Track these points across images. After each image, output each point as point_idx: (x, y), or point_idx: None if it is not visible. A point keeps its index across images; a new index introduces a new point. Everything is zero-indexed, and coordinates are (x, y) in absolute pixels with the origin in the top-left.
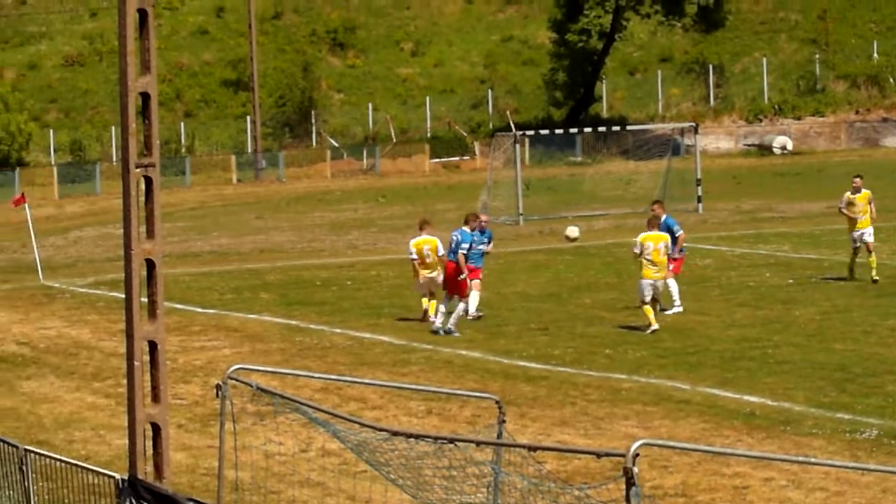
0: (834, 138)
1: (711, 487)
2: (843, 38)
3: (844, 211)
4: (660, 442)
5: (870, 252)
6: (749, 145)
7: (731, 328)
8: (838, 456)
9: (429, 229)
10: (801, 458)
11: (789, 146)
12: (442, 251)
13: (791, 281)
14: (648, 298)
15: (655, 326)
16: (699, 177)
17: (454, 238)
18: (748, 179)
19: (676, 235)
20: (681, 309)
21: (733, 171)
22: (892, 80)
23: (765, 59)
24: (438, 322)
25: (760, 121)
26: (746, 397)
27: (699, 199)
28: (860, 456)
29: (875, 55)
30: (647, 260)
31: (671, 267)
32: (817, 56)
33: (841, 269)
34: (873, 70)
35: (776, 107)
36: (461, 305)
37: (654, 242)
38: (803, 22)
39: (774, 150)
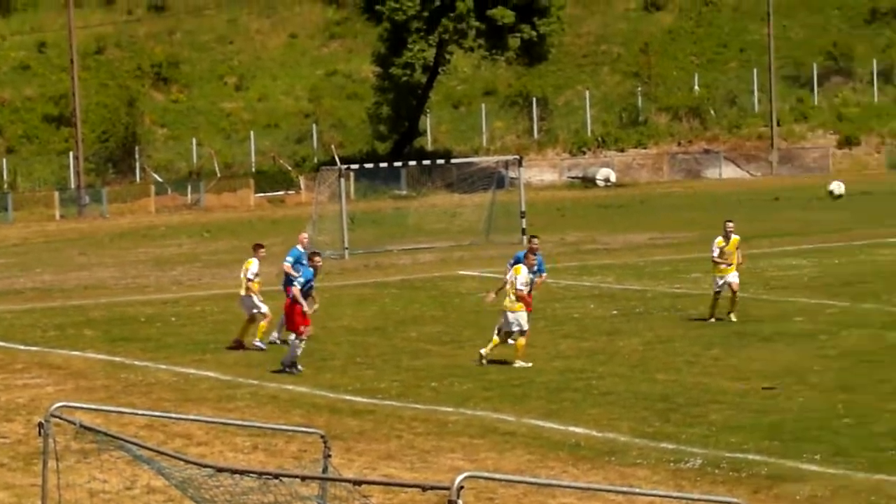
0: (656, 170)
1: None
2: (665, 71)
3: (717, 260)
4: (485, 474)
5: (734, 293)
6: (573, 177)
7: (555, 360)
8: (663, 485)
9: (261, 252)
10: (625, 489)
11: (612, 178)
12: (252, 273)
13: (615, 312)
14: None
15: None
16: (523, 209)
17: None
18: (572, 211)
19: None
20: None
21: (557, 204)
22: (713, 112)
23: (588, 92)
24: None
25: (584, 153)
26: (572, 428)
27: (524, 232)
28: (684, 485)
29: (696, 87)
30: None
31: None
32: (639, 89)
33: (663, 299)
34: (694, 102)
35: (599, 139)
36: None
37: (517, 274)
38: (625, 55)
39: (598, 182)
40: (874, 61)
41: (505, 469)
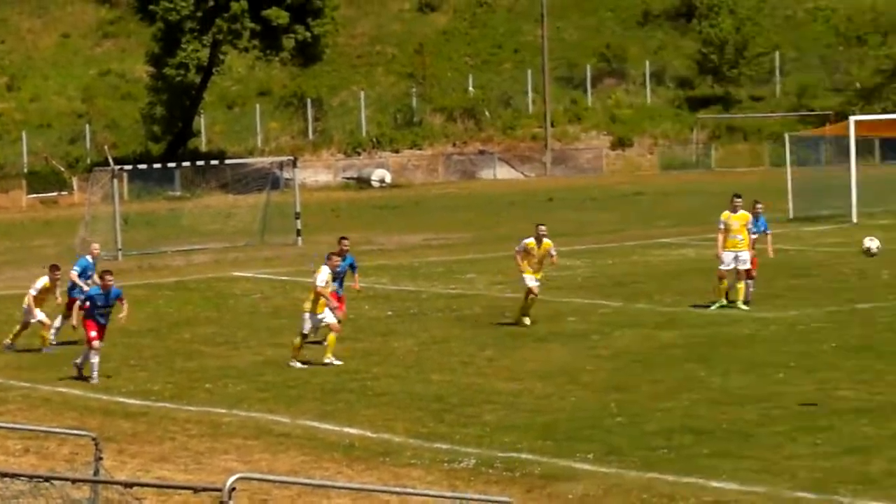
0: (431, 171)
1: None
2: (440, 72)
3: (520, 263)
4: (257, 476)
5: (535, 296)
6: (348, 178)
7: None
8: (436, 485)
9: (56, 274)
10: (399, 489)
11: (387, 179)
12: (35, 289)
13: (390, 313)
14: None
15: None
16: (298, 210)
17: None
18: (347, 212)
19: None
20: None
21: (332, 204)
22: (487, 113)
23: (362, 93)
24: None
25: (359, 154)
26: (346, 429)
27: (298, 233)
28: (458, 485)
29: (471, 88)
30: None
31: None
32: (414, 90)
33: (437, 300)
34: (469, 103)
35: (374, 140)
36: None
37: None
38: (400, 56)
39: (373, 182)
40: (647, 63)
41: (279, 470)
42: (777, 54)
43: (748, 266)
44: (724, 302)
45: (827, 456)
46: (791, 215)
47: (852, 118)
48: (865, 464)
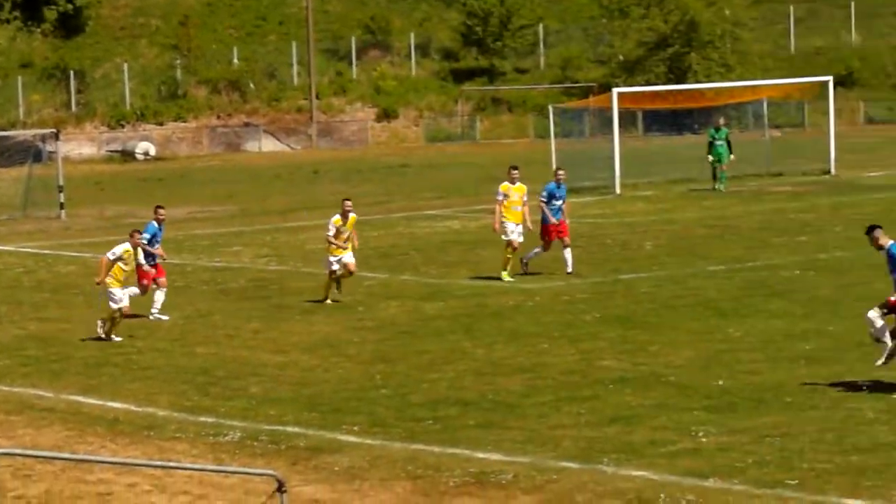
0: (196, 143)
1: (76, 495)
2: (204, 44)
3: (332, 241)
4: (20, 451)
5: (350, 273)
6: (112, 151)
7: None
8: (202, 459)
9: None
10: (163, 463)
11: (152, 152)
12: None
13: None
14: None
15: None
16: (61, 183)
17: None
18: (111, 185)
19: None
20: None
21: (96, 178)
22: (252, 85)
23: (126, 65)
24: None
25: (123, 127)
26: (110, 403)
27: (62, 206)
28: (223, 458)
29: (235, 61)
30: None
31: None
32: (178, 61)
33: (203, 273)
34: (234, 75)
35: (138, 112)
36: None
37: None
38: (164, 27)
39: (137, 155)
40: (411, 35)
41: (42, 445)
42: (541, 26)
43: (522, 239)
44: (507, 275)
45: (591, 425)
46: None
47: (615, 90)
48: (628, 433)
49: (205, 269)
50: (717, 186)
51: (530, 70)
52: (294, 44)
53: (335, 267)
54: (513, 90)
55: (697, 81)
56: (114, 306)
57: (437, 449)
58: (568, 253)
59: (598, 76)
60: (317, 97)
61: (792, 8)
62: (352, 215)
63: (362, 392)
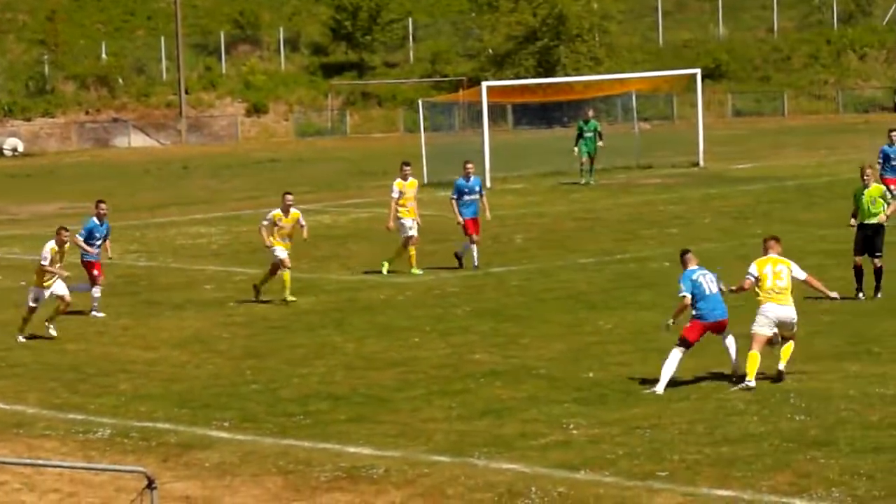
0: (65, 139)
1: None
2: (72, 39)
3: (267, 241)
4: None
5: (287, 268)
6: None
7: None
8: (71, 457)
9: None
10: (32, 461)
11: (20, 148)
12: None
13: (23, 283)
14: None
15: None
16: None
17: None
18: None
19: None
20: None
21: None
22: (120, 80)
23: None
24: None
25: None
26: None
27: None
28: (93, 455)
29: (104, 56)
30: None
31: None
32: (46, 57)
33: (72, 269)
34: (102, 71)
35: (6, 108)
36: None
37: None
38: (31, 22)
39: (5, 151)
40: (281, 29)
41: None
42: (410, 20)
43: (416, 233)
44: (416, 269)
45: (462, 419)
46: (426, 180)
47: (484, 84)
48: (499, 426)
49: (74, 266)
50: (588, 180)
51: (400, 64)
52: (162, 39)
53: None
54: (382, 84)
55: (566, 75)
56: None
57: (308, 444)
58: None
59: (467, 70)
60: (186, 92)
61: (660, 1)
62: (293, 210)
63: (233, 388)
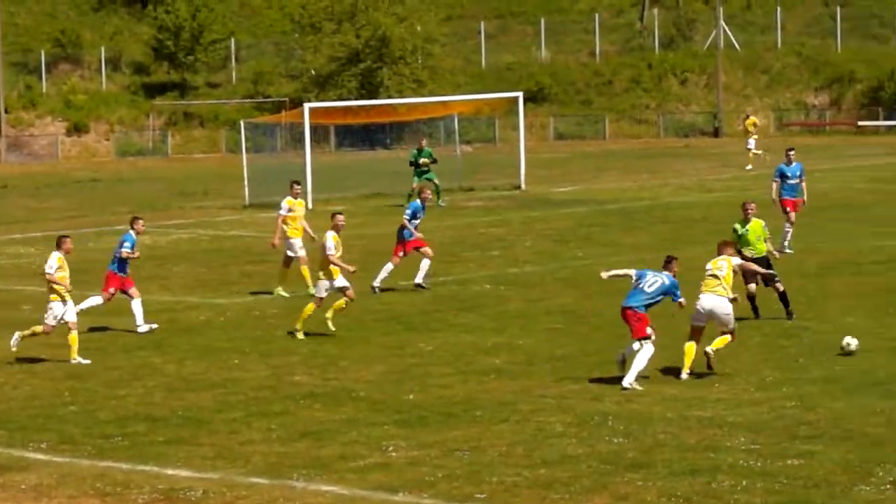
0: None
1: None
2: None
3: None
4: None
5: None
6: None
7: None
8: None
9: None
10: None
11: None
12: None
13: None
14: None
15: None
16: None
17: None
18: None
19: None
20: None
21: None
22: None
23: None
24: None
25: None
26: None
27: None
28: None
29: None
30: None
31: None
32: None
33: None
34: None
35: None
36: None
37: None
38: None
39: None
40: (102, 49)
41: None
42: (233, 41)
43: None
44: (283, 291)
45: (281, 441)
46: (247, 202)
47: (307, 105)
48: (318, 448)
49: None
50: (436, 203)
51: (222, 84)
52: None
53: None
54: (204, 105)
55: (389, 97)
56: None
57: (125, 466)
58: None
59: (290, 91)
60: (5, 111)
61: (483, 24)
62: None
63: (51, 409)
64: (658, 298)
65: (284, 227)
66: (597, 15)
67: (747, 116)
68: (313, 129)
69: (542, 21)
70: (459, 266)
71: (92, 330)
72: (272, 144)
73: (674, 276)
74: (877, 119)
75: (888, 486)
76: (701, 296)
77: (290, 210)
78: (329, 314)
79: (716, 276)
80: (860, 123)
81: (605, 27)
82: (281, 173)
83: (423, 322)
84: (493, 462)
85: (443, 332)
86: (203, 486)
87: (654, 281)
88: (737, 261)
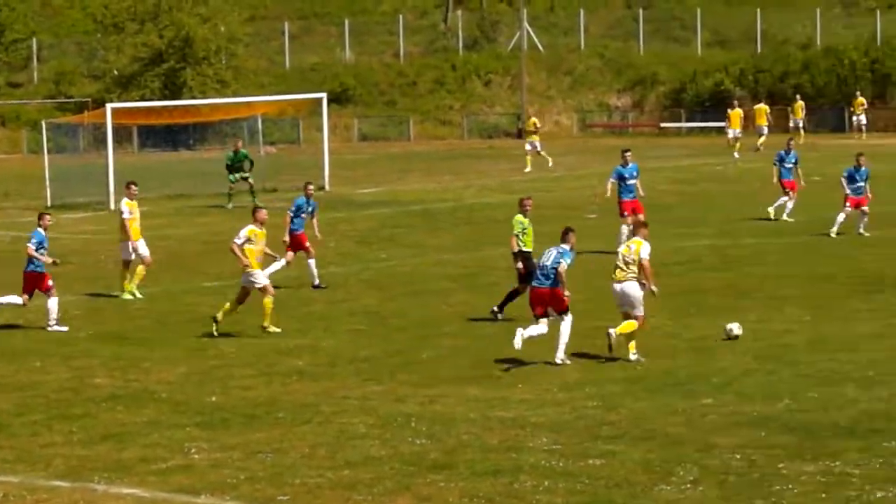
0: None
1: None
2: None
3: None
4: None
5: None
6: None
7: None
8: None
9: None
10: None
11: None
12: None
13: None
14: None
15: None
16: None
17: None
18: None
19: None
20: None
21: None
22: None
23: None
24: None
25: None
26: None
27: None
28: None
29: None
30: None
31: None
32: None
33: None
34: None
35: None
36: None
37: None
38: None
39: None
40: None
41: None
42: (34, 40)
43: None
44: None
45: (83, 443)
46: (49, 203)
47: (109, 105)
48: (120, 451)
49: None
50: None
51: (24, 84)
52: None
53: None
54: (6, 105)
55: (193, 97)
56: None
57: None
58: (313, 263)
59: (92, 91)
60: None
61: (287, 24)
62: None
63: None
64: (557, 265)
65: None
66: (401, 16)
67: (529, 117)
68: (116, 129)
69: (346, 22)
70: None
71: None
72: (74, 145)
73: (571, 248)
74: (679, 120)
75: (688, 486)
76: (613, 284)
77: (129, 213)
78: (220, 314)
79: (621, 265)
80: (662, 125)
81: (409, 28)
82: (84, 174)
83: (225, 323)
84: (296, 464)
85: (246, 334)
86: (3, 490)
87: (550, 253)
88: (644, 254)
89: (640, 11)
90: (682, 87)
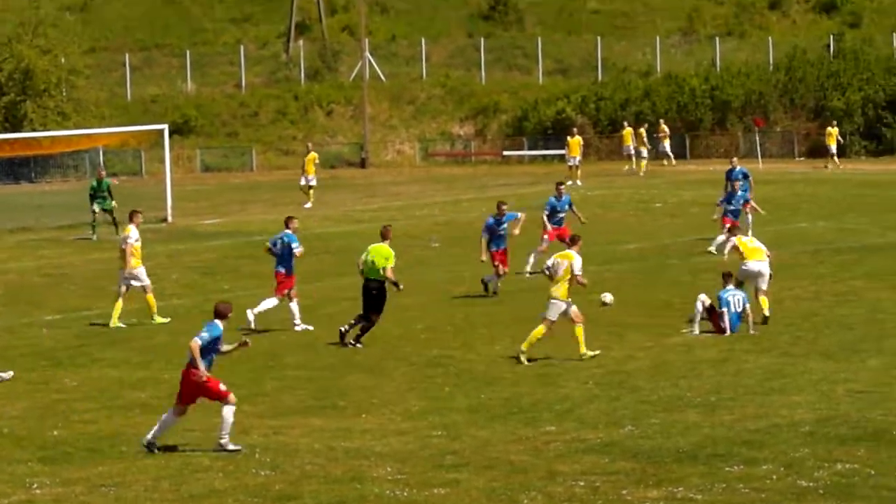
0: None
1: None
2: None
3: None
4: None
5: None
6: None
7: None
8: None
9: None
10: None
11: None
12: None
13: None
14: None
15: None
16: None
17: None
18: None
19: None
20: None
21: None
22: None
23: None
24: None
25: None
26: None
27: None
28: None
29: None
30: None
31: None
32: None
33: None
34: None
35: None
36: None
37: None
38: None
39: None
40: None
41: None
42: None
43: None
44: None
45: None
46: None
47: None
48: None
49: None
50: (93, 237)
51: None
52: None
53: None
54: None
55: (34, 130)
56: None
57: None
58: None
59: None
60: None
61: (128, 56)
62: None
63: None
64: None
65: None
66: (242, 47)
67: (308, 151)
68: None
69: (188, 53)
70: (105, 300)
71: None
72: None
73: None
74: (521, 149)
75: None
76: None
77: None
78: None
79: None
80: (505, 153)
81: (251, 59)
82: None
83: (68, 357)
84: (139, 497)
85: (88, 367)
86: None
87: None
88: (577, 269)
89: (482, 40)
90: (525, 116)
